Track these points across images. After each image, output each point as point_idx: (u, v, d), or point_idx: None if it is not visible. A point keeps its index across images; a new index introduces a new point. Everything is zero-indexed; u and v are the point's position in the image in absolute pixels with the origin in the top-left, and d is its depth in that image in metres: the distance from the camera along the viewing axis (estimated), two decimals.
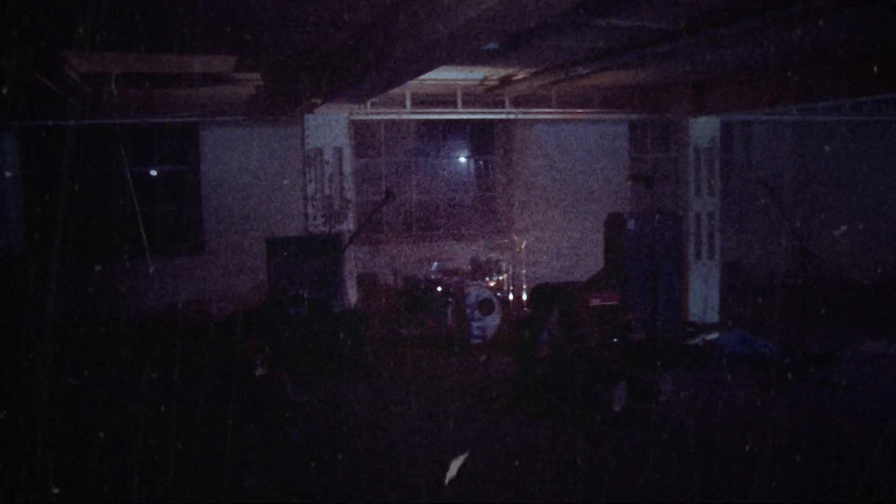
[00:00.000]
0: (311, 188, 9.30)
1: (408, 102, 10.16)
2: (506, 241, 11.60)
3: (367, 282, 11.62)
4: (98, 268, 11.23)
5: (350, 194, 9.56)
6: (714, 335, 8.82)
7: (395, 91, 9.09)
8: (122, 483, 5.54)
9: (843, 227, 7.16)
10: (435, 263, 10.93)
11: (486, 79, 9.89)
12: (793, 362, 8.07)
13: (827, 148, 14.25)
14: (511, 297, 10.93)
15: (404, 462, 5.92)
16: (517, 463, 5.86)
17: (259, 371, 7.00)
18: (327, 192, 9.32)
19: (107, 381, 8.23)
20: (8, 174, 10.93)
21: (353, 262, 10.25)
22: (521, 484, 5.50)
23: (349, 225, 9.41)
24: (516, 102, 11.08)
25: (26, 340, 9.54)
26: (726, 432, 6.45)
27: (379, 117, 10.59)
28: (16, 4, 5.35)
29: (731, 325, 10.00)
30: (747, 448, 6.06)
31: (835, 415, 6.87)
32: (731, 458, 5.87)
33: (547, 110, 11.18)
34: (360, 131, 12.49)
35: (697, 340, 8.78)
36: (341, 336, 8.19)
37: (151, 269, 11.17)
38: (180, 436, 6.49)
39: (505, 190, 13.62)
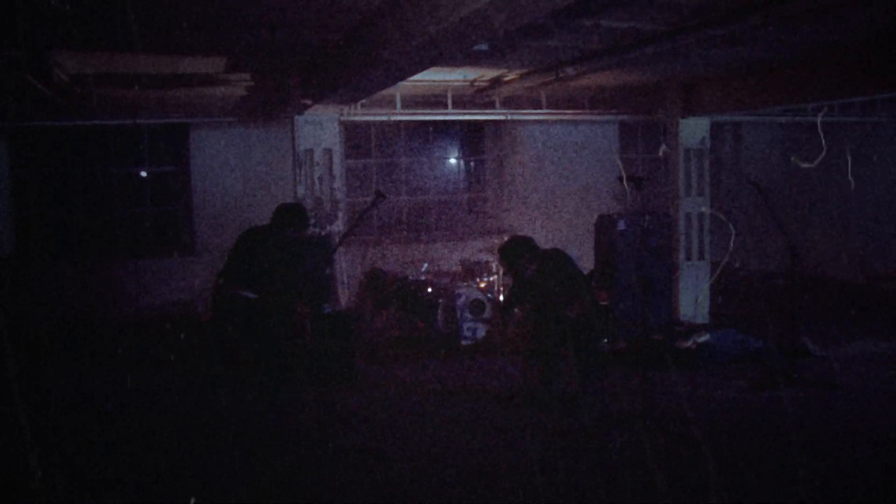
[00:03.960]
0: (301, 189, 9.28)
1: (398, 103, 10.15)
2: (496, 241, 11.58)
3: (358, 282, 11.59)
4: (88, 268, 11.21)
5: (340, 195, 9.54)
6: (706, 337, 8.83)
7: (386, 92, 9.08)
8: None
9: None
10: (425, 264, 10.92)
11: (476, 80, 9.89)
12: (781, 361, 8.11)
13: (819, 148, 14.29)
14: (502, 298, 10.92)
15: (393, 462, 5.91)
16: (502, 464, 5.87)
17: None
18: (317, 193, 9.30)
19: (99, 383, 8.21)
20: None
21: (344, 264, 10.24)
22: (505, 485, 5.51)
23: (339, 226, 9.40)
24: (506, 103, 11.08)
25: (18, 341, 9.51)
26: (716, 432, 6.47)
27: (369, 118, 10.58)
28: (2, 4, 5.33)
29: (722, 325, 10.01)
30: (736, 447, 6.09)
31: (827, 414, 6.89)
32: (719, 458, 5.89)
33: (537, 111, 11.18)
34: (351, 132, 12.48)
35: (689, 343, 8.78)
36: (331, 337, 8.18)
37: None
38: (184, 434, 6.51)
39: (495, 191, 13.63)
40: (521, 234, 8.43)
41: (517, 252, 7.31)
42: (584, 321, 7.06)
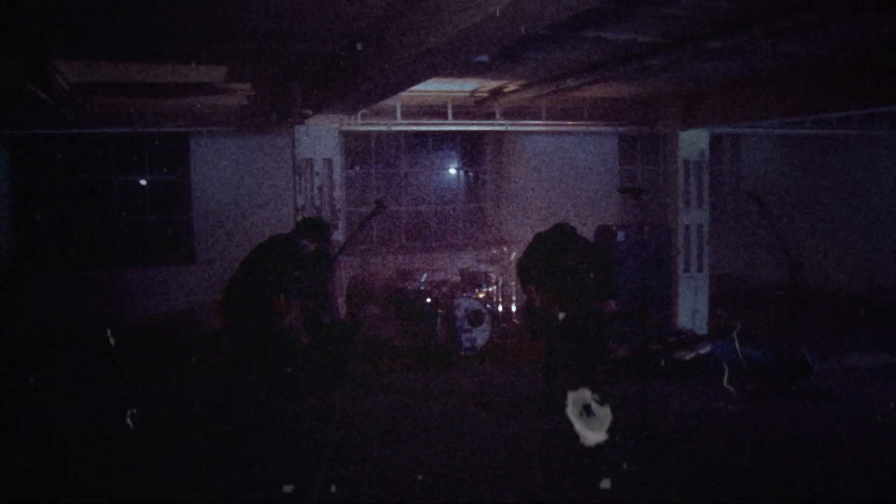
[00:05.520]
0: (301, 199, 9.29)
1: (398, 114, 10.17)
2: (495, 252, 11.61)
3: (357, 293, 11.60)
4: (87, 276, 11.20)
5: (340, 205, 9.55)
6: (707, 348, 8.82)
7: (386, 102, 9.11)
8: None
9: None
10: (425, 274, 10.92)
11: (476, 90, 9.92)
12: (779, 372, 8.11)
13: (815, 160, 14.34)
14: (501, 308, 10.93)
15: (394, 469, 5.90)
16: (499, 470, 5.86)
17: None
18: (317, 202, 9.31)
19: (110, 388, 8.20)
20: None
21: (343, 273, 10.23)
22: (503, 489, 5.50)
23: (339, 236, 9.40)
24: (507, 114, 11.10)
25: (18, 348, 9.53)
26: (714, 443, 6.46)
27: (369, 128, 10.60)
28: (4, 12, 5.35)
29: (721, 336, 9.98)
30: (734, 458, 6.08)
31: (826, 426, 6.88)
32: (717, 469, 5.88)
33: (537, 122, 11.21)
34: (351, 142, 12.50)
35: (691, 355, 8.75)
36: (331, 347, 8.17)
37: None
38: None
39: (495, 201, 13.65)
40: (521, 246, 8.38)
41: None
42: (599, 323, 7.14)
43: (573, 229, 7.62)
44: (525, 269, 7.67)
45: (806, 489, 5.54)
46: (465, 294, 10.11)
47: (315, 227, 7.51)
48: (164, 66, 8.05)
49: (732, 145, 15.18)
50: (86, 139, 11.20)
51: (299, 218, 9.25)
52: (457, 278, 11.18)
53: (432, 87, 9.28)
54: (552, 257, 7.43)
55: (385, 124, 10.46)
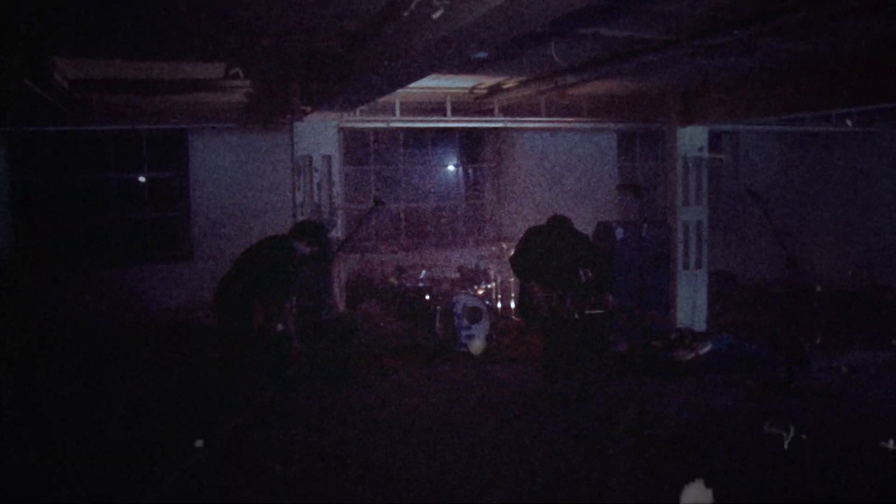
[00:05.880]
0: (300, 195, 9.29)
1: (397, 110, 10.16)
2: (494, 249, 11.61)
3: (356, 289, 11.60)
4: (87, 274, 11.20)
5: (339, 202, 9.55)
6: (708, 347, 8.81)
7: (385, 99, 9.10)
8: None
9: None
10: (423, 271, 10.91)
11: (475, 87, 9.91)
12: (779, 370, 8.11)
13: (813, 158, 14.34)
14: (500, 305, 10.93)
15: (394, 468, 5.90)
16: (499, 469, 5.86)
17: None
18: (316, 199, 9.31)
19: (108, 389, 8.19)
20: None
21: (342, 270, 10.23)
22: (500, 489, 5.50)
23: (338, 232, 9.40)
24: (505, 111, 11.09)
25: (17, 346, 9.51)
26: (714, 441, 6.47)
27: (368, 125, 10.59)
28: (3, 11, 5.34)
29: (720, 333, 10.00)
30: (733, 457, 6.08)
31: (825, 425, 6.88)
32: (717, 467, 5.88)
33: (536, 119, 11.19)
34: (350, 139, 12.48)
35: (691, 355, 8.73)
36: (330, 344, 8.17)
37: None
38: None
39: (493, 198, 13.64)
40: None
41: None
42: (602, 319, 7.14)
43: (569, 221, 7.61)
44: (521, 266, 7.64)
45: (805, 489, 5.54)
46: (463, 291, 10.11)
47: (312, 231, 7.40)
48: (163, 64, 8.03)
49: (731, 142, 15.17)
50: (84, 137, 11.18)
51: (298, 214, 9.26)
52: (456, 275, 11.18)
53: (431, 84, 9.27)
54: (549, 250, 7.41)
55: (384, 121, 10.44)
